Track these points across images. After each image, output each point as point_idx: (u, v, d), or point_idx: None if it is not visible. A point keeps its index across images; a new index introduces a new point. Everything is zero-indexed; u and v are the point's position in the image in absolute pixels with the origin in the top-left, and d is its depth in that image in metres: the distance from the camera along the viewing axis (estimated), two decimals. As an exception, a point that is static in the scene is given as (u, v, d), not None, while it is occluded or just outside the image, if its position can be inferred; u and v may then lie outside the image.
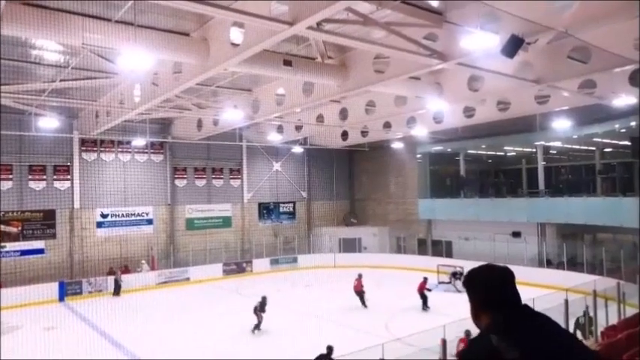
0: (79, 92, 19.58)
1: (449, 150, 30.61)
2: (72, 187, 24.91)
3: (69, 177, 24.86)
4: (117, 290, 23.73)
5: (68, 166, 24.89)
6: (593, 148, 26.20)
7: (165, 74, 14.83)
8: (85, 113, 23.39)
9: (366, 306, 20.04)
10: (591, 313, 12.89)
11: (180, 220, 28.67)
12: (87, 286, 23.49)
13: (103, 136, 24.61)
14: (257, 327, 16.90)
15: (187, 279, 26.43)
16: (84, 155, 25.37)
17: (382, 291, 21.93)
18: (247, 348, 14.97)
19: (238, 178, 31.31)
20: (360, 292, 20.29)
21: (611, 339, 8.28)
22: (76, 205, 24.99)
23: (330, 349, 12.55)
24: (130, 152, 26.82)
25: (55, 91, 18.38)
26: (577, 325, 14.52)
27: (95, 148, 25.72)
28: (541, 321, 2.04)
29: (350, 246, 32.34)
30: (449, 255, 28.29)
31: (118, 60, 13.67)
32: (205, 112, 22.21)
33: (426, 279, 20.54)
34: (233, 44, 11.39)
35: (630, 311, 12.99)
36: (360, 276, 20.67)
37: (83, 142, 25.17)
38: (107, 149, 26.10)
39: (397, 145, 30.11)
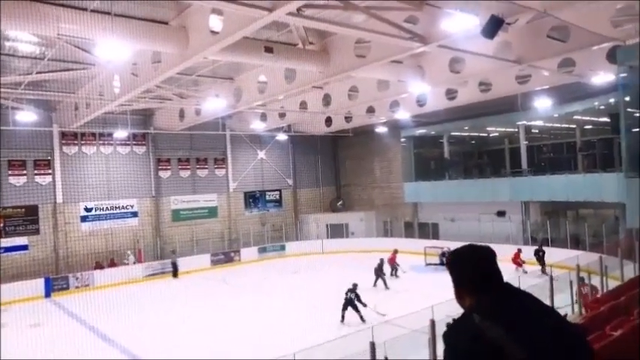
0: (56, 84, 19.14)
1: (432, 133, 30.76)
2: (54, 181, 24.53)
3: (50, 171, 24.47)
4: (175, 272, 25.52)
5: (49, 160, 24.47)
6: (574, 126, 26.57)
7: (145, 64, 14.59)
8: (64, 106, 22.95)
9: (397, 276, 22.14)
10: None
11: (165, 211, 28.48)
12: (74, 281, 23.25)
13: (84, 129, 24.15)
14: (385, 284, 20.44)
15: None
16: (64, 149, 24.96)
17: (370, 274, 22.12)
18: (238, 340, 15.03)
19: (223, 168, 31.13)
20: (393, 266, 22.27)
21: (595, 311, 8.49)
22: (59, 199, 24.64)
23: (355, 285, 15.93)
24: (111, 145, 26.46)
25: (31, 84, 17.96)
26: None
27: (76, 142, 25.31)
28: (524, 299, 2.08)
29: (337, 232, 32.51)
30: (435, 237, 28.60)
31: (95, 50, 13.42)
32: (187, 102, 21.94)
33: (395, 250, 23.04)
34: (212, 32, 11.23)
35: (612, 284, 13.29)
36: (395, 251, 22.84)
37: (63, 135, 24.73)
38: (88, 142, 25.70)
39: (381, 130, 30.17)
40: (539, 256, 21.09)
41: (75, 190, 25.12)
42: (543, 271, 19.73)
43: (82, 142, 25.51)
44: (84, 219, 25.45)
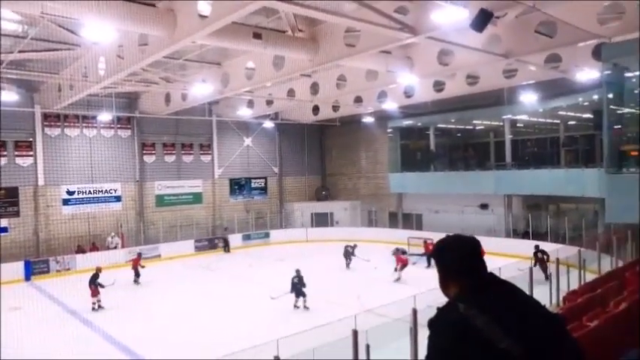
0: (39, 64, 18.75)
1: (419, 124, 30.87)
2: (35, 163, 24.13)
3: (32, 153, 24.06)
4: (227, 247, 28.20)
5: (30, 141, 24.05)
6: (558, 121, 26.88)
7: (131, 46, 14.36)
8: (47, 87, 22.51)
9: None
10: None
11: (149, 196, 28.24)
12: (54, 264, 22.99)
13: (67, 111, 23.76)
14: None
15: (158, 256, 26.19)
16: (47, 130, 24.54)
17: (353, 263, 22.27)
18: (220, 324, 15.07)
19: (209, 154, 30.92)
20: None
21: (572, 303, 8.68)
22: (40, 182, 24.27)
23: (355, 245, 21.96)
24: (95, 127, 26.07)
25: (13, 63, 17.57)
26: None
27: (59, 123, 24.89)
28: (507, 288, 2.13)
29: (322, 220, 32.61)
30: (419, 227, 28.83)
31: (80, 31, 13.17)
32: (173, 87, 21.71)
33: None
34: (201, 16, 11.09)
35: (590, 276, 13.57)
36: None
37: (46, 116, 24.28)
38: (71, 124, 25.29)
39: (368, 120, 30.19)
40: (539, 258, 17.59)
41: (57, 173, 24.72)
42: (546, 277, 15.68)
43: (65, 124, 25.09)
44: (66, 202, 25.13)
